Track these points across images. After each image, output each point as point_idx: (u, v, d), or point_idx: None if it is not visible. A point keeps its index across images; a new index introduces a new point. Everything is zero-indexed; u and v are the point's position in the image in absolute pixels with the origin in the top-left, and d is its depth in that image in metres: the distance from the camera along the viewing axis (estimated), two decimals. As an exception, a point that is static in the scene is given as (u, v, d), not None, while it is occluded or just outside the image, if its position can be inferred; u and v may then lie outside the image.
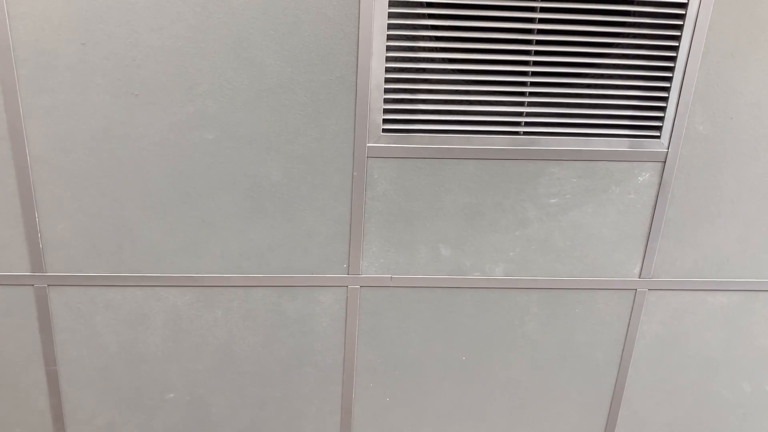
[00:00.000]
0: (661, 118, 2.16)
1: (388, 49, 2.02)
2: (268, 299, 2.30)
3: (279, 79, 2.01)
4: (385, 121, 2.11)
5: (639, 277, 2.38)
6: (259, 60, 1.98)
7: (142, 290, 2.26)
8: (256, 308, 2.31)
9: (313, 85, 2.03)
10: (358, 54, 2.00)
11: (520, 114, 2.13)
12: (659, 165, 2.22)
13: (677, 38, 2.06)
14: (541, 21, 2.02)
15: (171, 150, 2.07)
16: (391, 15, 1.98)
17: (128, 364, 2.36)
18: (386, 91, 2.07)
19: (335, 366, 2.41)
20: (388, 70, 2.05)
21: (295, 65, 2.00)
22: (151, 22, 1.91)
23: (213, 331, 2.33)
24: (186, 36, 1.94)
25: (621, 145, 2.18)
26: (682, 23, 2.04)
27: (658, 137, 2.18)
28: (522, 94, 2.11)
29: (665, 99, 2.13)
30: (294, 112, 2.06)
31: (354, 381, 2.44)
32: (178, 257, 2.21)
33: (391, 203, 2.20)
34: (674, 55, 2.08)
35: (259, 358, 2.39)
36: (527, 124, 2.15)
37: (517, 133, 2.15)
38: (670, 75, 2.10)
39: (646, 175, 2.23)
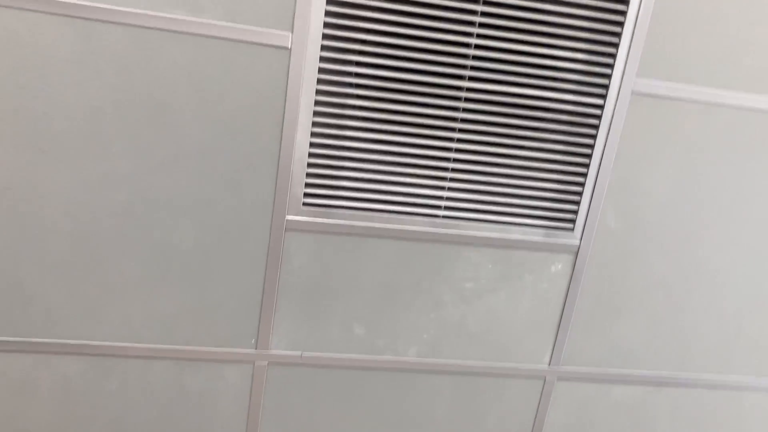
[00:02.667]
0: (575, 212, 2.23)
1: (314, 124, 2.01)
2: (169, 372, 2.17)
3: (199, 145, 1.96)
4: (307, 194, 2.08)
5: (549, 366, 2.40)
6: (180, 124, 1.93)
7: (32, 356, 2.09)
8: (155, 381, 2.18)
9: (234, 154, 1.99)
10: (283, 126, 1.98)
11: (440, 198, 2.15)
12: (572, 257, 2.27)
13: (593, 137, 2.14)
14: (465, 110, 2.06)
15: (77, 209, 1.96)
16: (318, 92, 1.98)
17: (7, 435, 2.16)
18: (309, 165, 2.05)
19: (235, 446, 2.29)
20: (312, 144, 2.03)
21: (216, 132, 1.96)
22: (68, 78, 1.84)
23: (106, 403, 2.18)
24: (105, 94, 1.87)
25: (536, 235, 2.22)
26: (597, 123, 2.13)
27: (571, 230, 2.24)
28: (443, 178, 2.13)
29: (579, 194, 2.20)
30: (212, 179, 2.00)
31: (254, 462, 2.32)
32: (75, 322, 2.07)
33: (307, 278, 2.15)
34: (589, 152, 2.16)
35: (153, 434, 2.24)
36: (447, 208, 2.16)
37: (436, 216, 2.16)
38: (585, 171, 2.18)
39: (559, 265, 2.27)
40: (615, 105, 2.11)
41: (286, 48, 1.91)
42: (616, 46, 2.05)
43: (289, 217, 2.08)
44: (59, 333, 2.08)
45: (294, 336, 2.21)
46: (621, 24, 2.03)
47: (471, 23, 1.98)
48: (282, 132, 1.99)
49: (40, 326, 2.06)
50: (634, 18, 2.02)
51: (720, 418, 2.59)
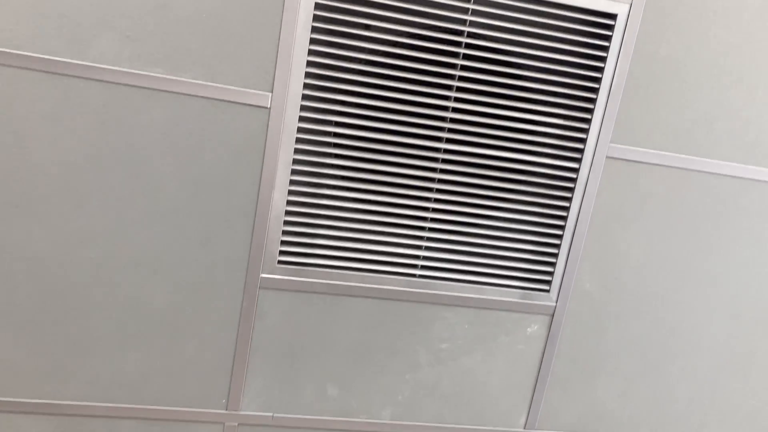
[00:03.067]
0: (550, 273, 2.23)
1: (292, 182, 2.01)
2: (136, 433, 2.11)
3: (175, 203, 1.95)
4: (282, 252, 2.07)
5: (524, 428, 2.37)
6: (156, 182, 1.92)
7: (-8, 415, 2.02)
8: (121, 442, 2.11)
9: (210, 212, 1.97)
10: (260, 184, 1.98)
11: (417, 257, 2.15)
12: (548, 318, 2.26)
13: (568, 200, 2.17)
14: (443, 171, 2.08)
15: (48, 266, 1.93)
16: (297, 150, 1.99)
17: (-38, 499, 2.07)
18: (286, 223, 2.04)
19: None
20: (290, 202, 2.03)
21: (193, 190, 1.95)
22: (44, 133, 1.83)
23: (68, 464, 2.10)
24: (80, 150, 1.86)
25: (512, 296, 2.22)
26: (573, 186, 2.15)
27: (547, 291, 2.24)
28: (421, 237, 2.13)
29: (555, 255, 2.21)
30: (187, 237, 1.98)
31: None
32: (40, 381, 2.01)
33: (280, 337, 2.12)
34: (565, 215, 2.18)
35: (117, 498, 2.16)
36: (424, 267, 2.16)
37: (413, 275, 2.16)
38: (561, 233, 2.19)
39: (535, 327, 2.27)
40: (590, 169, 2.14)
41: (265, 108, 1.92)
42: (591, 111, 2.09)
43: (264, 275, 2.06)
44: (24, 392, 2.02)
45: (266, 396, 2.16)
46: (596, 90, 2.07)
47: (449, 87, 2.01)
48: (259, 190, 1.98)
49: (4, 384, 2.00)
50: (608, 85, 2.07)
51: (696, 482, 2.57)
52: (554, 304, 2.25)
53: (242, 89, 1.89)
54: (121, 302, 2.00)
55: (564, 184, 2.15)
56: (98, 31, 1.79)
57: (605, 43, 2.04)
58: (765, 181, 2.25)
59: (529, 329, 2.27)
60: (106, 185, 1.90)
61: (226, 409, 2.14)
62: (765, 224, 2.30)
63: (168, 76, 1.85)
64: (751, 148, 2.21)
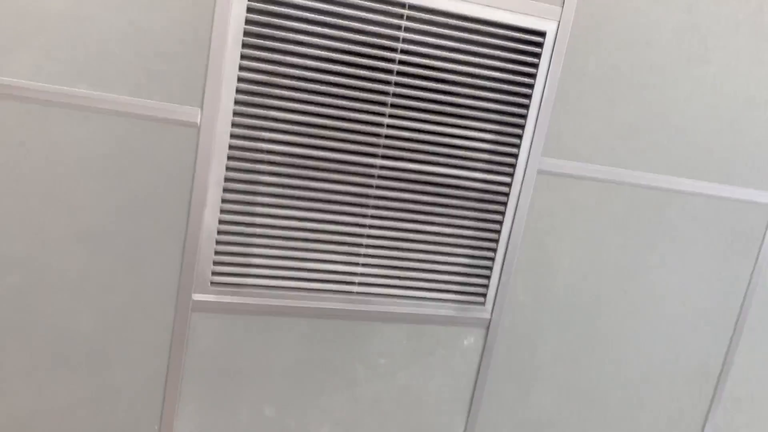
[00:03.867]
0: (485, 286, 2.25)
1: (224, 200, 1.96)
2: (62, 466, 2.01)
3: (100, 224, 1.87)
4: (215, 273, 2.01)
5: (462, 440, 2.38)
6: (80, 203, 1.83)
7: None
8: (46, 476, 2.01)
9: (137, 233, 1.90)
10: (190, 203, 1.92)
11: (354, 274, 2.13)
12: (483, 331, 2.29)
13: (501, 213, 2.19)
14: (378, 187, 2.07)
15: (-39, 292, 1.82)
16: (229, 168, 1.94)
17: None
18: (218, 242, 1.99)
19: None
20: (222, 221, 1.97)
21: (119, 211, 1.87)
22: (-45, 153, 1.72)
23: (-12, 502, 1.98)
24: (-4, 171, 1.76)
25: (448, 310, 2.23)
26: (505, 200, 2.18)
27: (482, 304, 2.26)
28: (357, 254, 2.11)
29: (490, 268, 2.24)
30: (113, 260, 1.90)
31: None
32: (-47, 415, 1.89)
33: (214, 361, 2.06)
34: (499, 228, 2.20)
35: None
36: (361, 284, 2.14)
37: (351, 292, 2.14)
38: (495, 247, 2.22)
39: (471, 339, 2.28)
40: (522, 183, 2.17)
41: (195, 125, 1.87)
42: (522, 127, 2.13)
43: (196, 297, 2.00)
44: (-64, 427, 1.90)
45: (200, 421, 2.10)
46: (527, 106, 2.11)
47: (383, 103, 2.00)
48: (189, 209, 1.92)
49: None
50: (538, 101, 2.11)
51: (627, 484, 2.64)
52: (489, 316, 2.28)
53: (171, 105, 1.83)
54: (44, 330, 1.90)
55: (497, 198, 2.18)
56: (15, 47, 1.70)
57: (535, 60, 2.08)
58: (688, 192, 2.34)
59: (465, 342, 2.28)
60: (26, 208, 1.80)
61: (159, 436, 2.07)
62: (689, 233, 2.39)
63: (92, 93, 1.77)
64: (676, 161, 2.30)
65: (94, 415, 2.00)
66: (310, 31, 1.89)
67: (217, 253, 2.00)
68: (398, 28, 1.95)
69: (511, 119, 2.11)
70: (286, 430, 2.19)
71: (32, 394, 1.93)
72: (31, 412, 1.95)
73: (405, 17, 1.95)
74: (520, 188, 2.17)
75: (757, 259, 2.50)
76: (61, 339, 1.92)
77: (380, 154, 2.04)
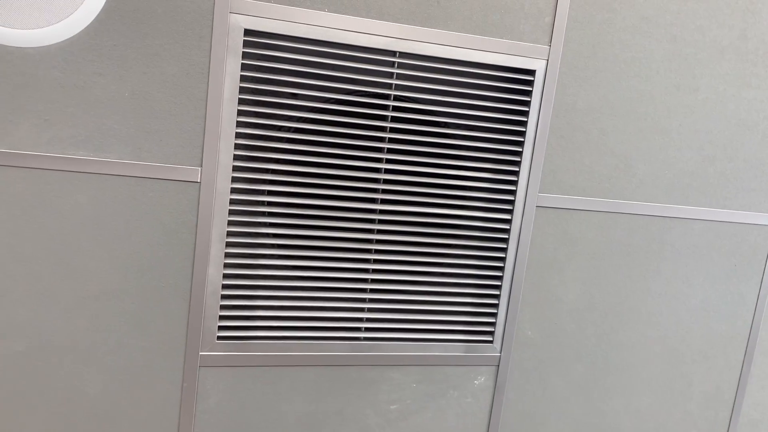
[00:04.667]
0: (492, 324, 2.25)
1: (227, 255, 1.97)
2: None
3: (105, 286, 1.87)
4: (221, 328, 2.01)
5: (479, 482, 2.35)
6: (84, 266, 1.84)
7: None
8: None
9: (143, 293, 1.91)
10: (194, 261, 1.93)
11: (360, 320, 2.13)
12: (493, 368, 2.27)
13: (504, 250, 2.20)
14: (380, 232, 2.08)
15: (-31, 363, 1.81)
16: (231, 222, 1.95)
17: None
18: (223, 297, 1.99)
19: None
20: (226, 276, 1.98)
21: (124, 272, 1.88)
22: (-41, 225, 1.73)
23: None
24: (1, 240, 1.77)
25: (457, 350, 2.22)
26: (507, 237, 2.19)
27: (491, 342, 2.26)
28: (362, 300, 2.11)
29: (496, 306, 2.24)
30: (120, 321, 1.90)
31: None
32: (-36, 488, 1.87)
33: (225, 416, 2.05)
34: (502, 265, 2.21)
35: None
36: (367, 329, 2.14)
37: (357, 338, 2.13)
38: (499, 284, 2.22)
39: (482, 378, 2.27)
40: (522, 219, 2.18)
41: (195, 182, 1.89)
42: (518, 164, 2.15)
43: (203, 353, 1.99)
44: (-53, 501, 1.87)
45: (213, 478, 2.08)
46: (521, 144, 2.13)
47: (380, 149, 2.02)
48: (193, 266, 1.93)
49: (-76, 496, 1.85)
50: (532, 138, 2.13)
51: None
52: (499, 353, 2.27)
53: (170, 165, 1.86)
54: (52, 394, 1.89)
55: (498, 236, 2.19)
56: (15, 117, 1.72)
57: (526, 98, 2.11)
58: (687, 218, 2.35)
59: (476, 381, 2.27)
60: (30, 274, 1.81)
61: (172, 497, 2.04)
62: (691, 259, 2.40)
63: (91, 158, 1.79)
64: (672, 188, 2.32)
65: (106, 479, 1.98)
66: (303, 84, 1.93)
67: (222, 307, 2.00)
68: (390, 75, 1.99)
69: (507, 157, 2.13)
70: (301, 483, 2.17)
71: (43, 462, 1.92)
72: (43, 480, 1.93)
73: (396, 65, 1.98)
74: (521, 224, 2.19)
75: (762, 280, 2.50)
76: (70, 404, 1.91)
77: (379, 199, 2.06)
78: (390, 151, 2.04)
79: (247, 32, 1.86)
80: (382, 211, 2.07)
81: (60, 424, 1.91)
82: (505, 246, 2.20)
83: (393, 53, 1.97)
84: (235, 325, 2.02)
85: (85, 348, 1.89)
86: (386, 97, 2.00)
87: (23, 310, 1.82)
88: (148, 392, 1.97)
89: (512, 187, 2.16)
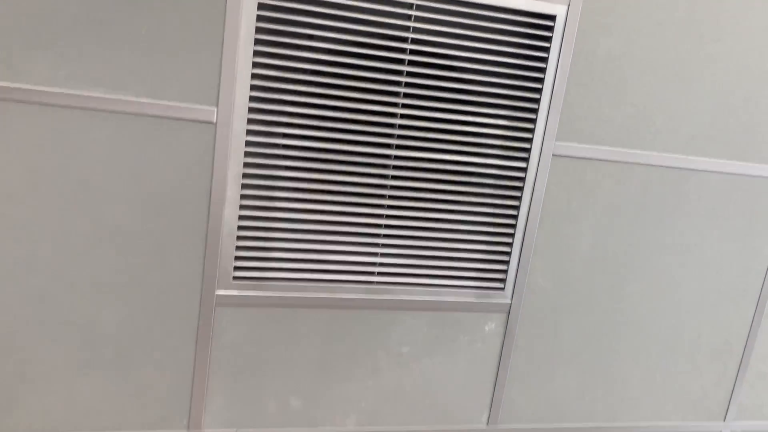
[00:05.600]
0: (504, 272, 2.27)
1: (243, 197, 1.99)
2: (95, 461, 2.06)
3: (122, 224, 1.90)
4: (237, 268, 2.04)
5: (487, 425, 2.40)
6: (102, 203, 1.87)
7: (-59, 454, 1.94)
8: (80, 472, 2.05)
9: (160, 231, 1.93)
10: (210, 201, 1.94)
11: (374, 264, 2.15)
12: (504, 316, 2.30)
13: (518, 198, 2.20)
14: (394, 177, 2.08)
15: (-9, 296, 1.86)
16: (246, 164, 1.96)
17: None
18: (239, 238, 2.02)
19: None
20: (241, 217, 2.00)
21: (141, 210, 1.90)
22: (-21, 160, 1.76)
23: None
24: (19, 176, 1.79)
25: (468, 297, 2.25)
26: (522, 185, 2.19)
27: (502, 289, 2.28)
28: (376, 244, 2.13)
29: (508, 254, 2.25)
30: (137, 258, 1.94)
31: None
32: (-11, 415, 1.94)
33: (240, 354, 2.09)
34: (516, 213, 2.21)
35: None
36: (380, 273, 2.16)
37: (371, 282, 2.16)
38: (512, 232, 2.23)
39: (492, 325, 2.30)
40: (537, 168, 2.18)
41: (211, 123, 1.89)
42: (535, 111, 2.13)
43: (219, 292, 2.03)
44: (-28, 428, 1.94)
45: (228, 413, 2.13)
46: (539, 90, 2.11)
47: (396, 94, 2.01)
48: (209, 207, 1.95)
49: (-49, 422, 1.92)
50: (551, 85, 2.11)
51: (653, 463, 2.65)
52: (509, 301, 2.29)
53: (187, 105, 1.86)
54: (72, 329, 1.94)
55: (513, 184, 2.19)
56: (32, 53, 1.73)
57: (546, 44, 2.08)
58: (705, 170, 2.33)
59: (486, 327, 2.30)
60: (48, 210, 1.84)
61: (188, 429, 2.11)
62: (704, 212, 2.39)
63: (108, 96, 1.80)
64: (691, 139, 2.29)
65: (124, 411, 2.04)
66: (321, 24, 1.91)
67: (238, 248, 2.02)
68: (408, 18, 1.96)
69: (524, 104, 2.12)
70: (313, 420, 2.22)
71: (63, 392, 1.98)
72: (63, 409, 1.99)
73: (414, 7, 1.95)
74: (536, 173, 2.18)
75: (776, 234, 2.49)
76: (88, 338, 1.96)
77: (395, 144, 2.06)
78: (406, 96, 2.02)
79: (265, -29, 1.84)
80: (397, 157, 2.07)
81: (80, 355, 1.96)
82: (519, 194, 2.20)
83: (412, -5, 1.94)
84: (251, 266, 2.04)
85: (104, 284, 1.93)
86: (403, 40, 1.98)
87: (43, 245, 1.86)
88: (166, 328, 2.01)
89: (529, 135, 2.15)
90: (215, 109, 1.88)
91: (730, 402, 2.65)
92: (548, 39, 2.08)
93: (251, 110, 1.93)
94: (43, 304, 1.90)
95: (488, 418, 2.39)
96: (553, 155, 2.18)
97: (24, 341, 1.91)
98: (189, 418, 2.10)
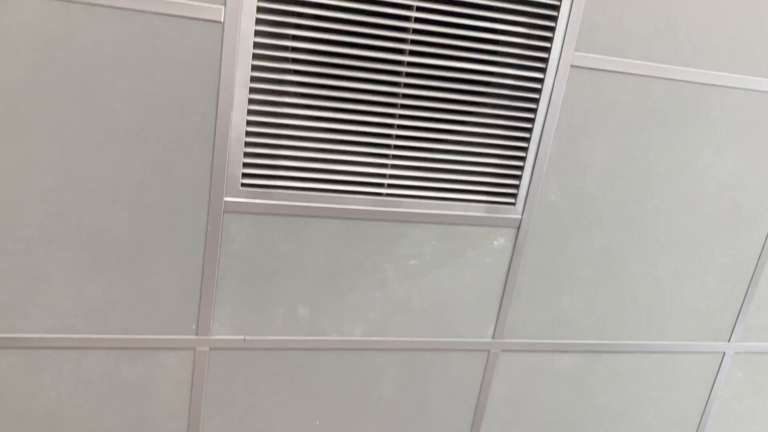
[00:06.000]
0: (516, 186, 2.23)
1: (251, 101, 1.94)
2: (105, 362, 2.09)
3: (128, 126, 1.86)
4: (245, 175, 2.01)
5: (492, 339, 2.42)
6: (106, 104, 1.83)
7: (-46, 352, 1.97)
8: (91, 372, 2.09)
9: (166, 135, 1.90)
10: (217, 105, 1.90)
11: (383, 175, 2.12)
12: (513, 231, 2.28)
13: (533, 111, 2.14)
14: (407, 86, 2.02)
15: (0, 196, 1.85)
16: (254, 67, 1.91)
17: (-69, 436, 2.05)
18: (247, 144, 1.98)
19: (178, 435, 2.23)
20: (249, 123, 1.96)
21: (146, 112, 1.86)
22: (-19, 55, 1.71)
23: (38, 397, 2.08)
24: (23, 73, 1.74)
25: (478, 211, 2.22)
26: (538, 97, 2.13)
27: (513, 204, 2.25)
28: (386, 156, 2.09)
29: (521, 168, 2.21)
30: (144, 161, 1.91)
31: (199, 450, 2.27)
32: (1, 316, 1.96)
33: (248, 261, 2.09)
34: (530, 126, 2.16)
35: (92, 427, 2.15)
36: (390, 185, 2.13)
37: (380, 194, 2.13)
38: (526, 146, 2.18)
39: (501, 240, 2.28)
40: (554, 79, 2.11)
41: (218, 22, 1.82)
42: (554, 19, 2.05)
43: (227, 199, 2.01)
44: (-16, 327, 1.97)
45: (236, 320, 2.15)
46: (559, -3, 2.02)
47: (410, -4, 1.93)
48: (217, 110, 1.91)
49: (-37, 321, 1.94)
50: (572, -9, 2.02)
51: (657, 381, 2.68)
52: (520, 216, 2.26)
53: (193, 3, 1.79)
54: (79, 231, 1.93)
55: (528, 95, 2.12)
56: (31, -59, 1.65)
57: (569, -54, 1.98)
58: (726, 86, 2.26)
59: (495, 242, 2.28)
60: (53, 110, 1.80)
61: (197, 335, 2.13)
62: (724, 129, 2.33)
63: (112, -10, 1.73)
64: (714, 54, 2.21)
65: (133, 315, 2.06)
66: None
67: (246, 154, 1.99)
68: None
69: (543, 11, 2.03)
70: (320, 329, 2.24)
71: (72, 292, 1.99)
72: (72, 312, 2.01)
73: None
74: (553, 84, 2.11)
75: (796, 155, 2.44)
76: (97, 239, 1.95)
77: (408, 50, 1.99)
78: (421, -2, 1.94)
79: None
80: (410, 64, 2.00)
81: (88, 258, 1.97)
82: (534, 107, 2.14)
83: None
84: (259, 173, 2.01)
85: (110, 187, 1.91)
86: (420, -62, 1.88)
87: (47, 146, 1.83)
88: (173, 234, 2.00)
89: (547, 44, 2.07)
90: (222, 8, 1.81)
91: (735, 323, 2.66)
92: (572, -59, 1.98)
93: (260, 10, 1.86)
94: (51, 205, 1.88)
95: (494, 332, 2.41)
96: (572, 66, 2.11)
97: (32, 243, 1.91)
98: (197, 324, 2.12)
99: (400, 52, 1.98)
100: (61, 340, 2.03)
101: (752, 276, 2.58)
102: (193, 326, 2.12)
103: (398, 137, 2.08)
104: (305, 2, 1.87)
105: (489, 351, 2.43)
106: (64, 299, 1.99)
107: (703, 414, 2.80)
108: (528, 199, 2.25)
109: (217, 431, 2.27)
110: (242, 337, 2.17)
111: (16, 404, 2.07)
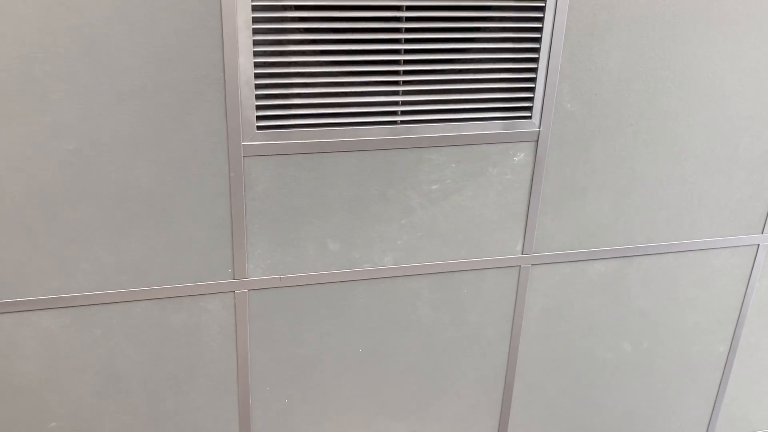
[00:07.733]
0: (530, 99, 2.22)
1: (255, 43, 1.95)
2: (151, 313, 2.18)
3: (141, 81, 1.90)
4: (259, 117, 2.04)
5: (522, 254, 2.45)
6: (117, 61, 1.86)
7: (10, 317, 2.08)
8: (139, 324, 2.19)
9: (178, 85, 1.93)
10: (223, 50, 1.92)
11: (395, 103, 2.12)
12: (533, 144, 2.28)
13: (540, 20, 2.11)
14: (409, 9, 2.01)
15: (28, 164, 1.91)
16: (255, 8, 1.91)
17: (0, 397, 2.18)
18: (257, 87, 2.00)
19: (228, 374, 2.33)
20: (257, 65, 1.97)
21: (156, 65, 1.89)
22: (-11, 27, 1.75)
23: (93, 351, 2.19)
24: (32, 40, 1.78)
25: (495, 128, 2.22)
26: (543, 5, 2.09)
27: (529, 117, 2.24)
28: (396, 83, 2.10)
29: (533, 80, 2.19)
30: (160, 115, 1.95)
31: (249, 387, 2.37)
32: (46, 278, 2.05)
33: (273, 202, 2.14)
34: (539, 36, 2.13)
35: (146, 375, 2.27)
36: (404, 113, 2.14)
37: (394, 122, 2.14)
38: (536, 56, 2.16)
39: (521, 155, 2.29)
40: (558, -16, 2.07)
41: (213, -34, 1.83)
42: None
43: (245, 143, 2.04)
44: (33, 290, 2.06)
45: (270, 260, 2.22)
46: None
47: None
48: (223, 55, 1.92)
49: (13, 286, 2.04)
50: None
51: (692, 280, 2.69)
52: (537, 129, 2.26)
53: (186, -51, 1.79)
54: (108, 188, 2.00)
55: (534, 3, 2.09)
56: None
57: None
58: (738, -30, 2.19)
59: (515, 158, 2.29)
60: (67, 73, 1.84)
61: (234, 278, 2.20)
62: (741, 18, 2.26)
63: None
64: (722, -63, 2.13)
65: (170, 264, 2.13)
66: None
67: (258, 97, 2.01)
68: None
69: None
70: (352, 262, 2.30)
71: (110, 249, 2.07)
72: (113, 265, 2.09)
73: None
74: (557, -11, 2.07)
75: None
76: (126, 196, 2.02)
77: (406, -28, 1.96)
78: None
79: None
80: (409, -14, 1.98)
81: (121, 215, 2.04)
82: (541, 15, 2.11)
83: None
84: (273, 113, 2.04)
85: (132, 143, 1.96)
86: None
87: (67, 109, 1.88)
88: (198, 183, 2.06)
89: (547, -52, 2.03)
90: (215, -49, 1.81)
91: (768, 214, 2.64)
92: None
93: (253, -51, 1.85)
94: (78, 166, 1.95)
95: (522, 247, 2.44)
96: (575, -32, 2.06)
97: (65, 204, 1.98)
98: (233, 268, 2.19)
99: (398, -26, 1.96)
100: (107, 295, 2.12)
101: (781, 164, 2.55)
102: (230, 270, 2.19)
103: (406, 62, 2.08)
104: (297, -65, 1.86)
105: (520, 266, 2.47)
106: (104, 257, 2.07)
107: (741, 308, 2.81)
108: (544, 110, 2.23)
109: (265, 369, 2.37)
110: (277, 276, 2.24)
111: (74, 360, 2.19)
